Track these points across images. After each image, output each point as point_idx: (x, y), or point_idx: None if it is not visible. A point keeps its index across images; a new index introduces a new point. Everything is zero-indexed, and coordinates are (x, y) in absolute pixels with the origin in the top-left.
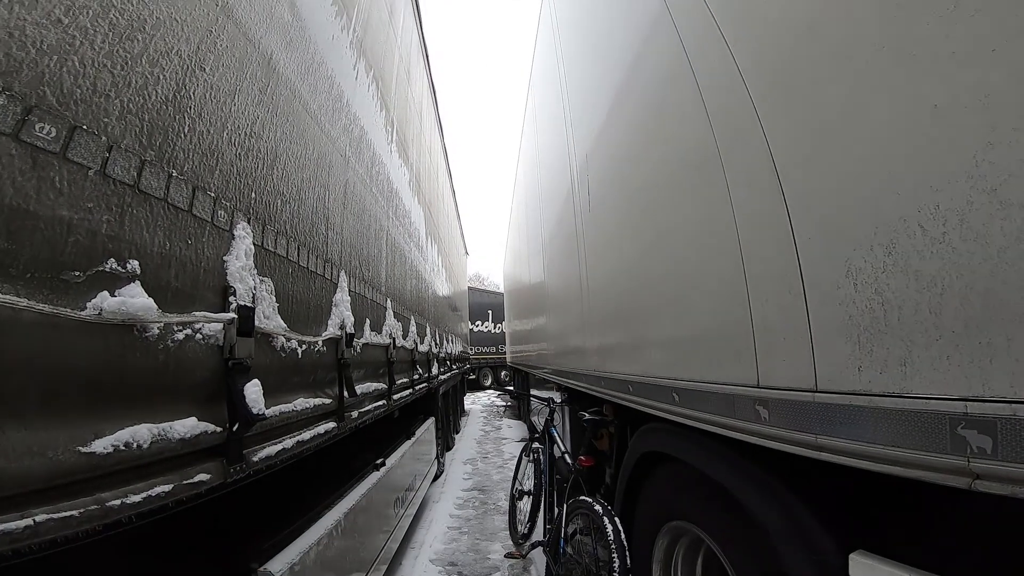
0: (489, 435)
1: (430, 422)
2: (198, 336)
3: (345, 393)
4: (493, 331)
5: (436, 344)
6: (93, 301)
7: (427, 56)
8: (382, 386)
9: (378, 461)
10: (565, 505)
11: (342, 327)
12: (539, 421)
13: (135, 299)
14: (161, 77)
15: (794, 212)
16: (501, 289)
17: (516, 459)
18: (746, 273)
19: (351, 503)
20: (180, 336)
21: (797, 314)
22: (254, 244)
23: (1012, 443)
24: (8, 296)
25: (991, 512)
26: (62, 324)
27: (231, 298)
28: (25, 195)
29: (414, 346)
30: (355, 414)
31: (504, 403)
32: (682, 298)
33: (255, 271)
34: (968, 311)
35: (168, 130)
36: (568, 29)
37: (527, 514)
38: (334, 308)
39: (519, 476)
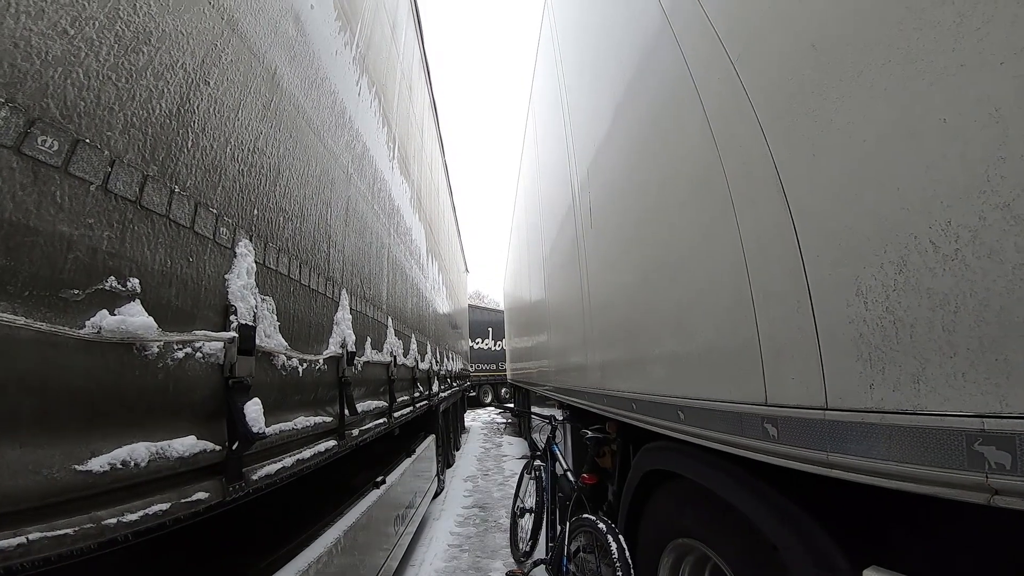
0: (489, 452)
1: (430, 439)
2: (198, 355)
3: (346, 411)
4: (493, 348)
5: (436, 362)
6: (92, 319)
7: (428, 72)
8: (383, 404)
9: (378, 479)
10: (568, 523)
11: (343, 345)
12: (540, 438)
13: (135, 318)
14: (165, 90)
15: (801, 229)
16: (501, 307)
17: (517, 476)
18: (752, 291)
19: (351, 521)
20: (180, 355)
21: (806, 332)
22: (256, 262)
23: None
24: (6, 314)
25: (1006, 526)
26: (60, 342)
27: (232, 317)
28: (25, 210)
29: (415, 364)
30: (356, 432)
31: (504, 420)
32: (687, 316)
33: (256, 289)
34: (983, 329)
35: (171, 145)
36: (569, 44)
37: (529, 532)
38: (335, 327)
39: (521, 493)
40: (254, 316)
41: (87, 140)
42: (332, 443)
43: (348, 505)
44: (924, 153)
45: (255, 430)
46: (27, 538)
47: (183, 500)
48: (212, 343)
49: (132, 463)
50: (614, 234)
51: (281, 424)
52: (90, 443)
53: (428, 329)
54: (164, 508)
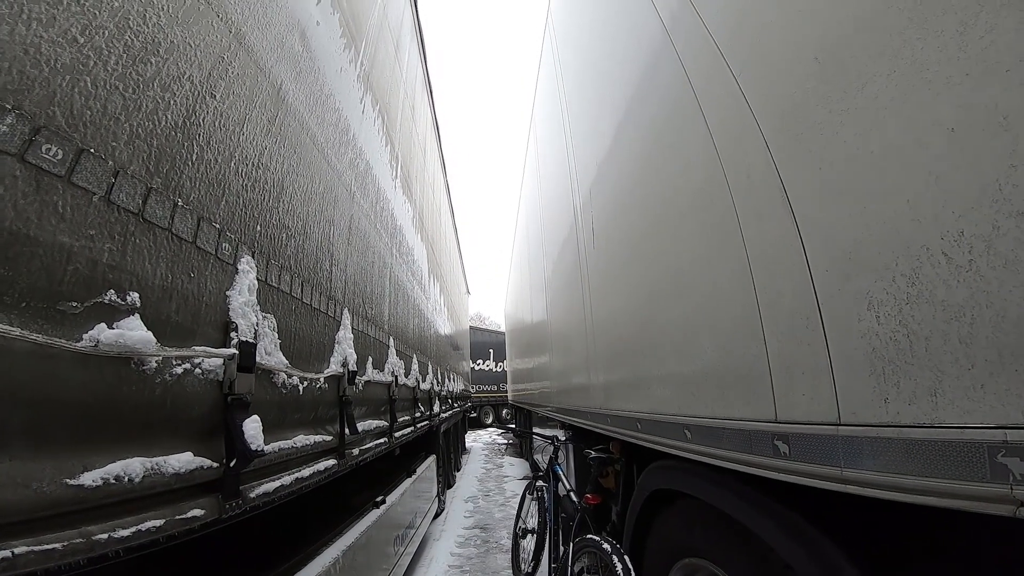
0: (491, 473)
1: (431, 460)
2: (197, 371)
3: (346, 430)
4: (494, 369)
5: (438, 382)
6: (90, 333)
7: (431, 91)
8: (383, 424)
9: (378, 499)
10: (571, 543)
11: (344, 364)
12: (542, 459)
13: (134, 332)
14: (172, 102)
15: (808, 243)
16: (502, 328)
17: (519, 497)
18: (760, 307)
19: (350, 540)
20: (179, 370)
21: (816, 348)
22: (258, 279)
23: None
24: (2, 325)
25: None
26: (56, 355)
27: (233, 333)
28: (26, 219)
29: (416, 384)
30: (356, 451)
31: (506, 441)
32: (692, 333)
33: (258, 307)
34: (1002, 339)
35: (176, 157)
36: (570, 62)
37: (531, 553)
38: (336, 345)
39: (523, 514)
40: (255, 333)
41: (91, 150)
42: (332, 462)
43: (347, 524)
44: (933, 163)
45: (253, 447)
46: (12, 552)
47: (178, 517)
48: (212, 359)
49: (126, 478)
50: (617, 252)
51: (280, 442)
52: (83, 457)
53: (429, 349)
54: (158, 524)
